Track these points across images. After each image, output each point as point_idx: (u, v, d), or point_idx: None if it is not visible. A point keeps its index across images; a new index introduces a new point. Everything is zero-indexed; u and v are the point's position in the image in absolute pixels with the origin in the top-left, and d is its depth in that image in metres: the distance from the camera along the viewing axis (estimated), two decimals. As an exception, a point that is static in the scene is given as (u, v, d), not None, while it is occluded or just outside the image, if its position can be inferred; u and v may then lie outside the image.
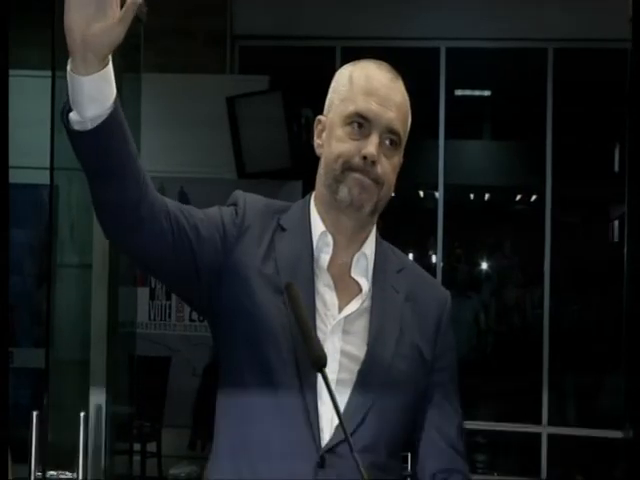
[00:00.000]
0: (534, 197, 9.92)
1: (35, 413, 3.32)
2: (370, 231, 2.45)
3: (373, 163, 2.29)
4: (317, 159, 2.46)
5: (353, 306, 2.31)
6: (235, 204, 2.43)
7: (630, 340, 4.80)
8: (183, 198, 7.78)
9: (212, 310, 2.42)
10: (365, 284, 2.36)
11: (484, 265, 10.71)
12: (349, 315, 2.30)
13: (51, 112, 3.89)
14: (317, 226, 2.41)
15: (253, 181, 7.82)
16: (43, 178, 4.03)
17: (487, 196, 10.61)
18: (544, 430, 9.13)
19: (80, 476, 3.50)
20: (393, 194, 2.40)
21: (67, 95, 2.12)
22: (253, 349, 2.32)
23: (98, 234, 4.01)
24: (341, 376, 2.27)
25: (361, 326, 2.33)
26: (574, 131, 9.43)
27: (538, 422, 9.15)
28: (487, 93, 9.92)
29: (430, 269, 8.91)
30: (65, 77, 3.75)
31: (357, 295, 2.33)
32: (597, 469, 8.48)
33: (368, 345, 2.29)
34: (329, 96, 2.44)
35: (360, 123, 2.32)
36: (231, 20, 8.76)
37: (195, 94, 7.84)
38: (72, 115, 2.09)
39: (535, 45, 8.87)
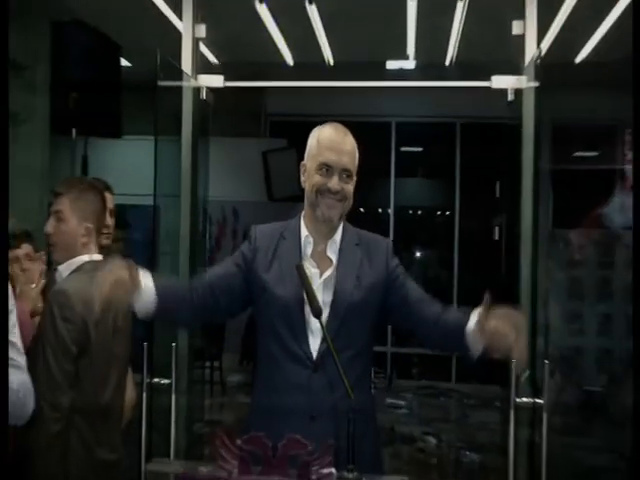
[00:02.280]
0: (448, 213, 9.81)
1: (145, 344, 3.32)
2: (339, 226, 2.49)
3: (337, 192, 2.36)
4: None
5: (327, 273, 2.39)
6: (250, 236, 2.51)
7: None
8: (235, 214, 7.91)
9: (251, 299, 2.49)
10: (334, 259, 2.43)
11: (418, 254, 10.31)
12: (326, 278, 2.38)
13: (155, 159, 3.75)
14: (304, 232, 2.47)
15: (277, 203, 7.78)
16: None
17: (419, 212, 10.44)
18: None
19: (173, 381, 3.46)
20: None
21: None
22: (268, 315, 2.41)
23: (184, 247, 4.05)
24: (324, 315, 2.29)
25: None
26: (473, 172, 9.39)
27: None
28: (420, 149, 9.86)
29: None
30: (164, 141, 3.78)
31: (331, 266, 2.41)
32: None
33: (335, 289, 2.37)
34: (307, 150, 2.47)
35: (326, 168, 2.38)
36: (265, 104, 8.86)
37: (244, 149, 7.87)
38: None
39: (447, 120, 8.96)
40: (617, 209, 8.03)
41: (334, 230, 2.47)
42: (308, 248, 2.45)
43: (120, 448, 2.85)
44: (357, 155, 2.46)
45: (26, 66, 4.78)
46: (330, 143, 2.42)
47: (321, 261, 2.42)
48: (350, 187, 2.43)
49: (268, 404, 2.40)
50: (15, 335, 2.39)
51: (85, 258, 2.79)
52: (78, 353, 2.60)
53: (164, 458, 3.04)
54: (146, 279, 2.30)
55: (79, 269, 2.77)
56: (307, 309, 2.32)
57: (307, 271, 2.33)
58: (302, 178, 2.49)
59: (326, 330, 2.23)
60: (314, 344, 2.35)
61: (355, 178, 2.45)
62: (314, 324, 2.32)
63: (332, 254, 2.44)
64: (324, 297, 2.36)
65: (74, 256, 2.79)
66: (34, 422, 2.40)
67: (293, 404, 2.33)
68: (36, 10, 4.75)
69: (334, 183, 2.38)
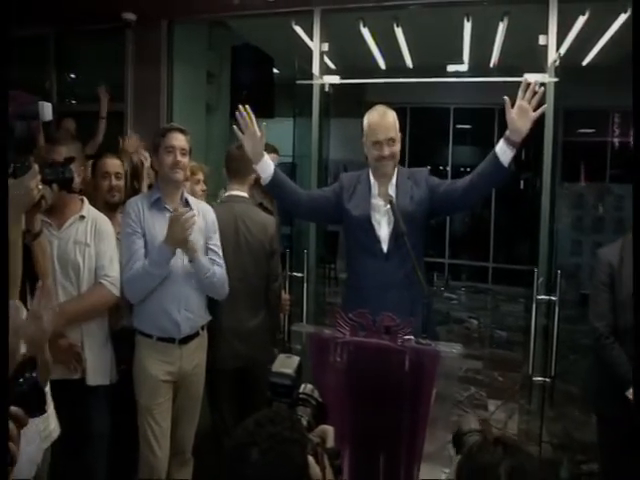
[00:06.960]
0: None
1: (287, 251, 3.32)
2: (394, 173, 2.43)
3: (387, 156, 2.35)
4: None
5: (389, 205, 2.35)
6: (340, 179, 2.50)
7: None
8: (345, 169, 7.36)
9: (334, 219, 2.52)
10: (393, 194, 2.39)
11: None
12: (388, 208, 2.35)
13: (293, 132, 3.83)
14: (372, 179, 2.45)
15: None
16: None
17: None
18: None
19: (305, 275, 3.44)
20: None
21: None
22: (351, 229, 2.42)
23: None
24: (390, 228, 2.34)
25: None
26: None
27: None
28: (470, 126, 9.16)
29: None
30: (300, 119, 3.78)
31: (391, 199, 2.35)
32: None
33: (392, 207, 2.32)
34: (364, 130, 2.40)
35: (379, 144, 2.35)
36: (365, 94, 7.87)
37: (352, 126, 6.92)
38: (262, 179, 2.35)
39: (489, 106, 8.09)
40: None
41: (391, 176, 2.43)
42: (375, 189, 2.43)
43: (254, 319, 2.77)
44: (396, 122, 2.38)
45: (215, 74, 4.79)
46: (376, 125, 2.36)
47: (384, 197, 2.39)
48: (395, 148, 2.38)
49: (357, 283, 2.42)
50: (216, 245, 2.50)
51: (225, 193, 2.85)
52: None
53: (301, 323, 3.14)
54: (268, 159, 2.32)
55: (223, 200, 2.84)
56: (374, 223, 2.35)
57: (376, 203, 2.38)
58: (365, 149, 2.42)
59: (390, 235, 2.33)
60: (384, 244, 2.35)
61: (399, 137, 2.39)
62: (382, 230, 2.35)
63: (392, 192, 2.40)
64: (389, 218, 2.36)
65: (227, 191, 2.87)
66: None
67: (373, 281, 2.33)
68: (222, 39, 4.79)
69: (385, 151, 2.35)
